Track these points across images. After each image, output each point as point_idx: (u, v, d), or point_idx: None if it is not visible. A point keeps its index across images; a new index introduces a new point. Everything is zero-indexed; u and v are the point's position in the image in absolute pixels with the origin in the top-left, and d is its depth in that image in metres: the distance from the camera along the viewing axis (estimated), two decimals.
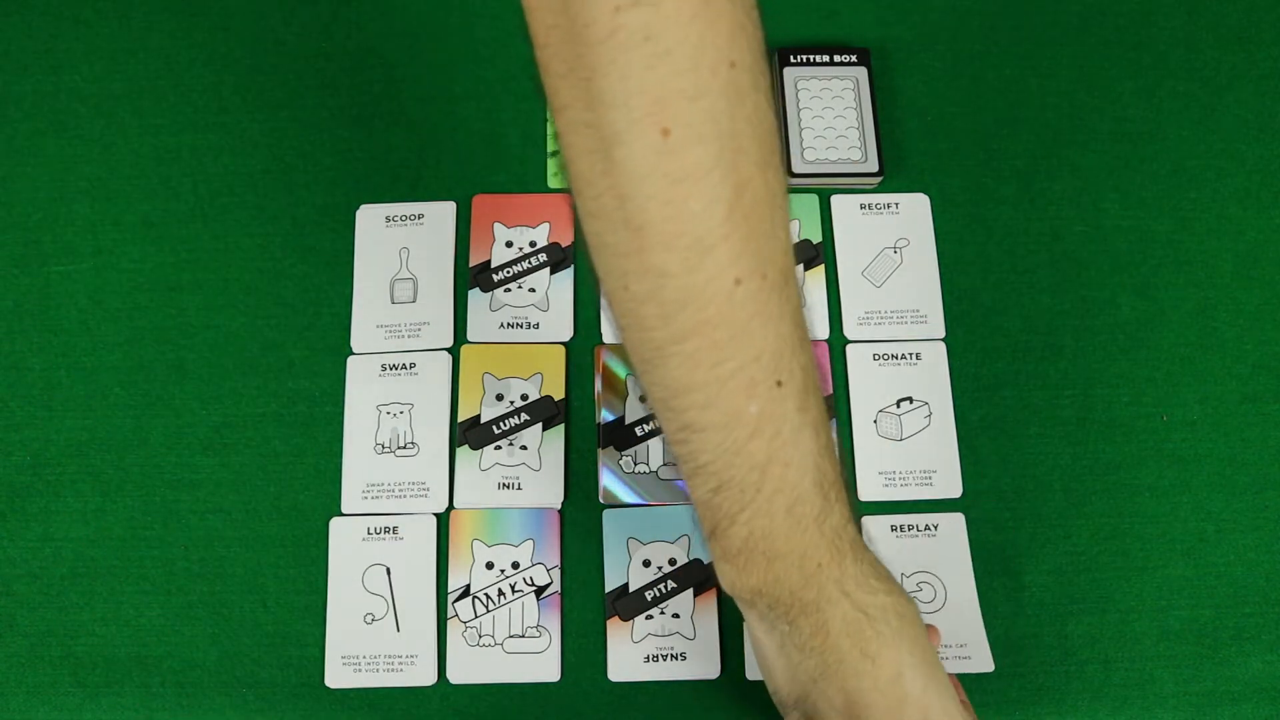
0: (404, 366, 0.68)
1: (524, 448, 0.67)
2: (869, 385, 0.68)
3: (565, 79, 0.40)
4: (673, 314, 0.41)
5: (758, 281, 0.41)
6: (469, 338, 0.69)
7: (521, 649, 0.63)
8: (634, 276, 0.41)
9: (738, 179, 0.40)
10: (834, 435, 0.49)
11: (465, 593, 0.64)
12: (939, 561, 0.65)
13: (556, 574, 0.64)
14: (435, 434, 0.67)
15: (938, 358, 0.69)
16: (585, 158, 0.40)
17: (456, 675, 0.63)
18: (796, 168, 0.72)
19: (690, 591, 0.64)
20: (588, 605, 0.64)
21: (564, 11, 0.39)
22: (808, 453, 0.45)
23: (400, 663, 0.63)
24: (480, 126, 0.75)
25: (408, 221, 0.72)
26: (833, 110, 0.74)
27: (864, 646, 0.47)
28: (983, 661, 0.63)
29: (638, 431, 0.67)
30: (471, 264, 0.71)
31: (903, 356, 0.69)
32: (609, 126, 0.39)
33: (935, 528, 0.65)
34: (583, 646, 0.64)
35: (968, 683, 0.62)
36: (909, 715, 0.47)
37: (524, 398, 0.68)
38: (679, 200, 0.39)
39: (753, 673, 0.63)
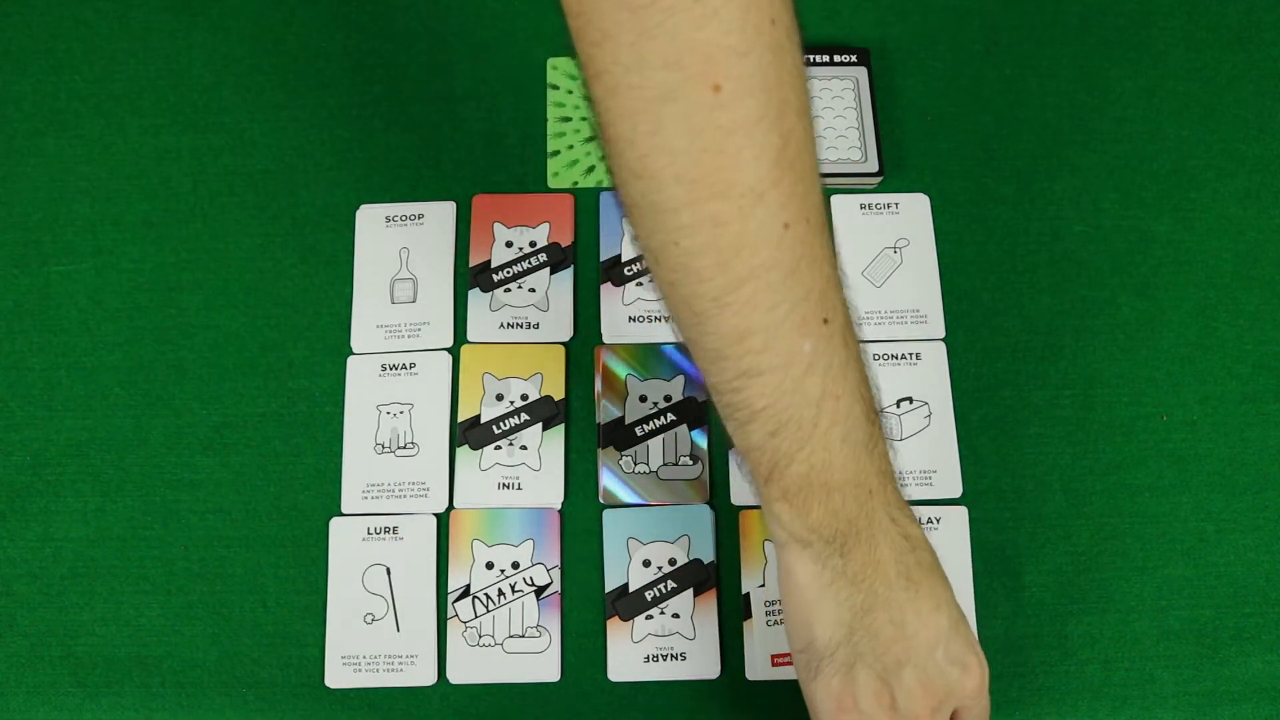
0: (404, 366, 0.68)
1: (524, 448, 0.67)
2: None
3: (600, 46, 0.41)
4: (729, 261, 0.43)
5: (803, 225, 0.43)
6: (469, 338, 0.69)
7: (521, 649, 0.63)
8: (686, 231, 0.43)
9: (784, 128, 0.42)
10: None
11: (465, 593, 0.64)
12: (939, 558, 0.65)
13: (556, 574, 0.64)
14: (435, 434, 0.67)
15: (938, 358, 0.69)
16: (627, 119, 0.41)
17: (456, 675, 0.63)
18: None
19: (690, 591, 0.64)
20: (588, 605, 0.64)
21: None
22: (855, 383, 0.47)
23: (400, 663, 0.63)
24: (480, 126, 0.75)
25: (408, 221, 0.72)
26: (833, 110, 0.74)
27: (909, 574, 0.49)
28: None
29: (638, 431, 0.67)
30: (471, 264, 0.71)
31: (903, 356, 0.69)
32: (658, 87, 0.40)
33: (937, 521, 0.65)
34: (583, 646, 0.64)
35: None
36: (950, 649, 0.49)
37: (524, 398, 0.68)
38: (732, 150, 0.41)
39: (753, 673, 0.63)
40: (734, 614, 0.64)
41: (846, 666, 0.50)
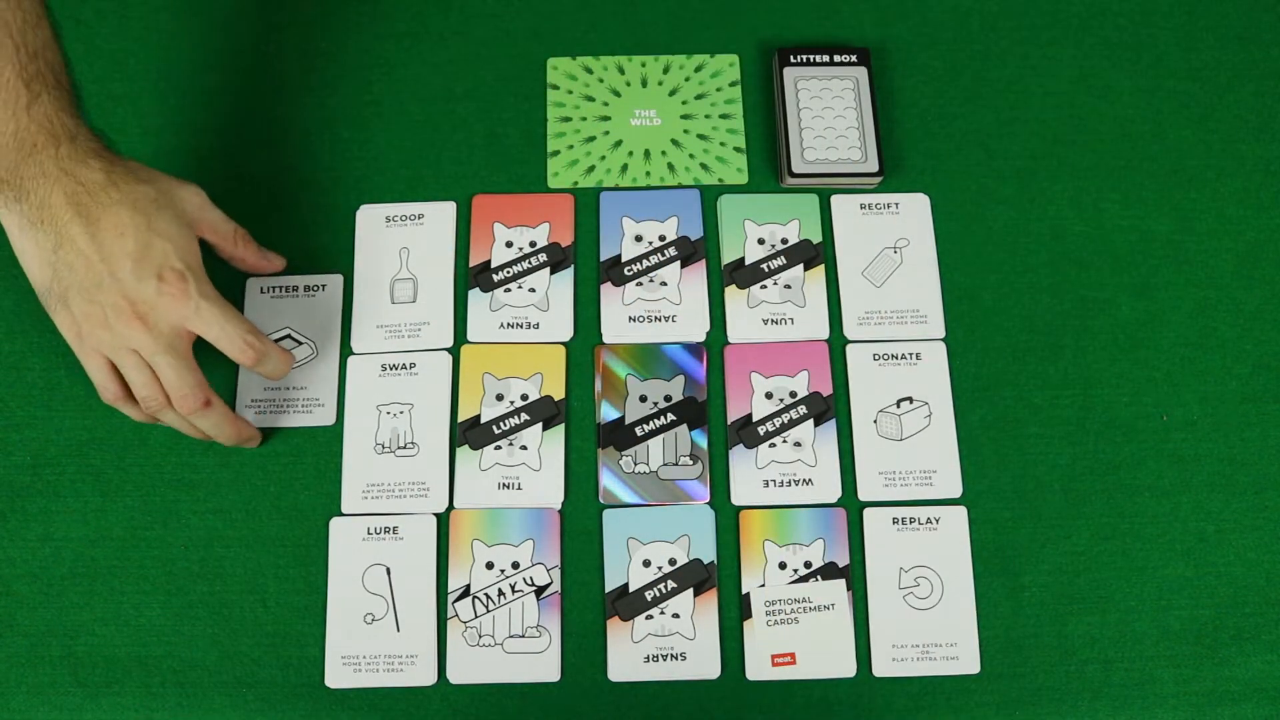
0: (404, 366, 0.68)
1: (524, 448, 0.67)
2: (869, 385, 0.68)
3: None
4: None
5: None
6: (469, 338, 0.69)
7: (521, 649, 0.63)
8: None
9: None
10: (54, 40, 0.60)
11: (465, 593, 0.64)
12: (938, 556, 0.65)
13: (556, 574, 0.64)
14: (435, 434, 0.67)
15: (938, 358, 0.69)
16: None
17: (456, 675, 0.63)
18: (796, 168, 0.72)
19: (690, 591, 0.64)
20: (588, 605, 0.64)
21: None
22: (8, 50, 0.57)
23: (400, 663, 0.63)
24: (480, 126, 0.75)
25: (408, 221, 0.72)
26: (833, 110, 0.74)
27: (86, 213, 0.57)
28: (969, 663, 0.63)
29: (638, 431, 0.67)
30: (471, 264, 0.71)
31: (903, 356, 0.69)
32: None
33: (937, 521, 0.65)
34: (583, 646, 0.64)
35: (955, 684, 0.63)
36: (143, 266, 0.58)
37: (524, 398, 0.68)
38: None
39: (753, 673, 0.63)
40: (734, 614, 0.64)
41: (62, 299, 0.59)
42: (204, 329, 0.60)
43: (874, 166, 0.72)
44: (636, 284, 0.70)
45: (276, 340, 0.69)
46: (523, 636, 0.63)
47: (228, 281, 0.71)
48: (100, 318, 0.58)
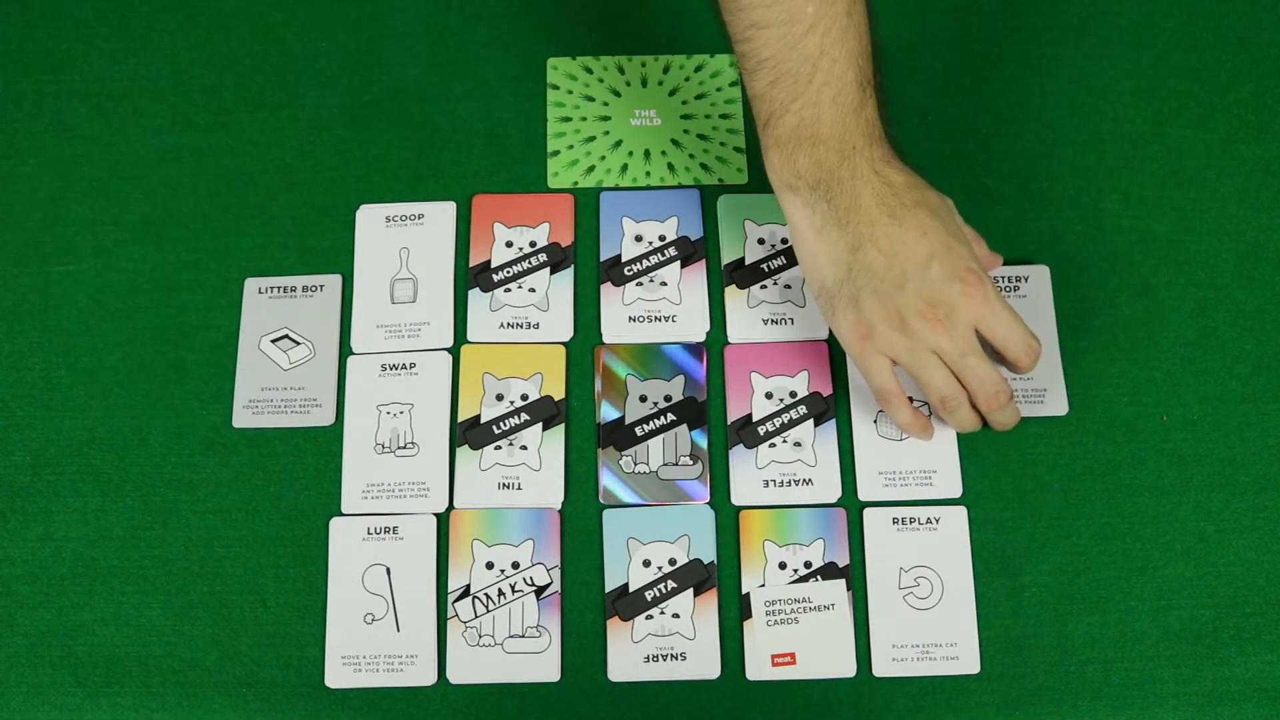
0: (404, 366, 0.68)
1: (524, 448, 0.67)
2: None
3: None
4: None
5: None
6: (469, 338, 0.69)
7: (521, 649, 0.63)
8: None
9: None
10: (873, 40, 0.59)
11: (465, 593, 0.64)
12: (938, 556, 0.65)
13: (556, 574, 0.64)
14: (435, 434, 0.67)
15: None
16: None
17: (456, 675, 0.63)
18: None
19: (690, 591, 0.64)
20: (588, 605, 0.64)
21: None
22: (852, 52, 0.56)
23: (400, 663, 0.63)
24: (480, 126, 0.75)
25: (408, 221, 0.72)
26: None
27: (893, 212, 0.57)
28: (969, 663, 0.63)
29: (638, 431, 0.67)
30: (471, 264, 0.71)
31: None
32: None
33: (937, 521, 0.65)
34: (583, 646, 0.64)
35: (955, 684, 0.62)
36: (945, 265, 0.57)
37: (524, 398, 0.68)
38: None
39: (753, 673, 0.63)
40: (734, 614, 0.64)
41: (853, 300, 0.59)
42: (994, 329, 0.59)
43: None
44: (636, 284, 0.70)
45: (274, 341, 0.69)
46: (523, 636, 0.63)
47: (226, 283, 0.71)
48: (897, 320, 0.58)
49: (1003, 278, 0.71)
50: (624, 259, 0.71)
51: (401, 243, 0.72)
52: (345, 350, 0.69)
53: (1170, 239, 0.72)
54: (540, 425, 0.67)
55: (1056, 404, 0.68)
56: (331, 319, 0.70)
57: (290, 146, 0.74)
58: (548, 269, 0.71)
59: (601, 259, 0.71)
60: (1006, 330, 0.59)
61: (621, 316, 0.70)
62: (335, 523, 0.65)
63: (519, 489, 0.66)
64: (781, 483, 0.66)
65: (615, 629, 0.63)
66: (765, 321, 0.70)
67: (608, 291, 0.70)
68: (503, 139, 0.74)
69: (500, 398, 0.68)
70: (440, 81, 0.76)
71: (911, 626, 0.63)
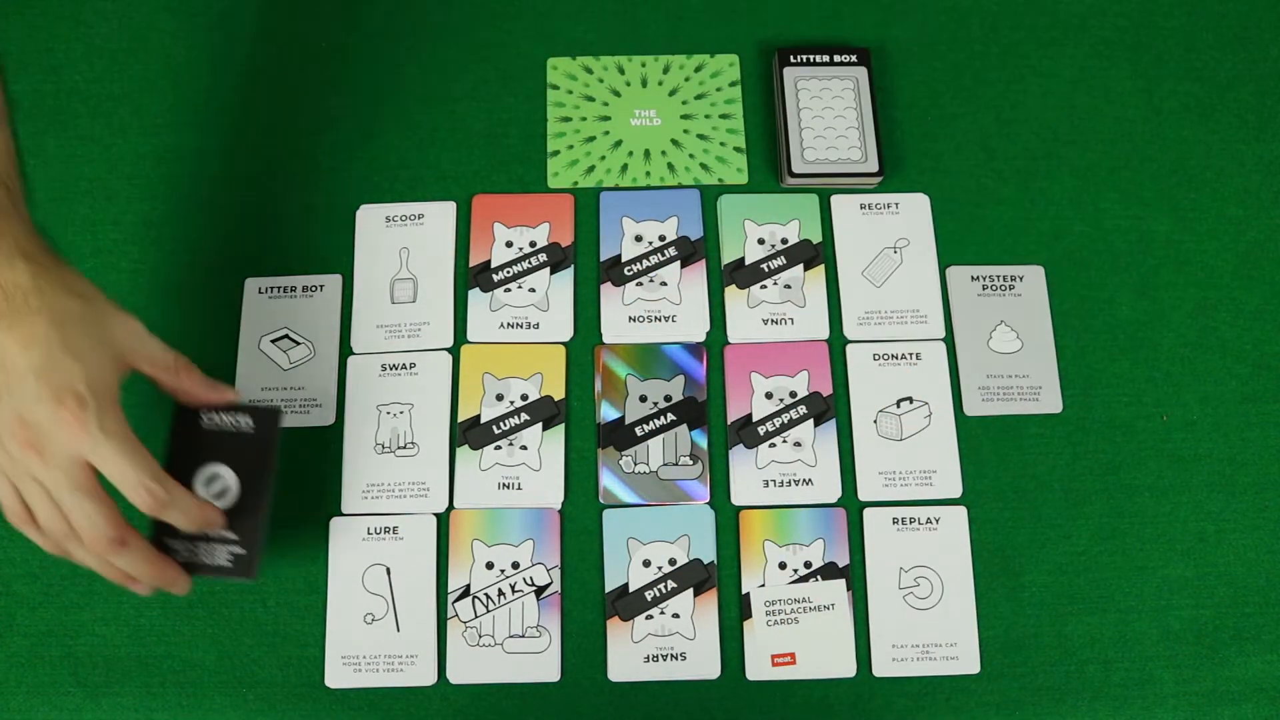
0: (404, 366, 0.68)
1: (524, 448, 0.67)
2: (869, 385, 0.68)
3: None
4: None
5: None
6: (469, 338, 0.69)
7: (521, 649, 0.63)
8: None
9: None
10: (9, 152, 0.57)
11: (465, 593, 0.64)
12: (938, 556, 0.65)
13: (556, 574, 0.64)
14: (435, 434, 0.67)
15: (938, 358, 0.69)
16: None
17: (456, 675, 0.63)
18: (796, 168, 0.72)
19: (690, 591, 0.64)
20: (588, 605, 0.64)
21: None
22: None
23: (400, 663, 0.63)
24: (480, 126, 0.75)
25: (408, 221, 0.72)
26: (833, 110, 0.74)
27: (1, 319, 0.52)
28: (969, 663, 0.63)
29: (638, 431, 0.67)
30: (471, 264, 0.71)
31: (903, 356, 0.69)
32: None
33: (937, 521, 0.65)
34: (583, 646, 0.64)
35: (955, 684, 0.62)
36: (45, 385, 0.51)
37: (524, 398, 0.68)
38: None
39: (753, 673, 0.63)
40: (734, 614, 0.64)
41: None
42: (101, 465, 0.52)
43: (874, 166, 0.72)
44: (636, 284, 0.70)
45: (274, 341, 0.69)
46: (523, 636, 0.63)
47: (226, 283, 0.71)
48: None
49: (999, 277, 0.71)
50: (624, 259, 0.71)
51: (401, 243, 0.72)
52: (345, 350, 0.69)
53: (1170, 239, 0.72)
54: (540, 425, 0.67)
55: (1051, 401, 0.68)
56: (331, 319, 0.70)
57: (290, 146, 0.74)
58: (548, 269, 0.71)
59: (601, 259, 0.71)
60: (116, 469, 0.52)
61: (621, 316, 0.70)
62: (335, 523, 0.65)
63: (519, 489, 0.66)
64: (781, 483, 0.66)
65: (615, 629, 0.63)
66: (765, 321, 0.70)
67: (608, 291, 0.70)
68: (503, 139, 0.74)
69: (500, 398, 0.68)
70: (440, 81, 0.76)
71: (911, 626, 0.63)
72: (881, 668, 0.63)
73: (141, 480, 0.53)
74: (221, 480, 0.60)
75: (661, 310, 0.70)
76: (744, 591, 0.64)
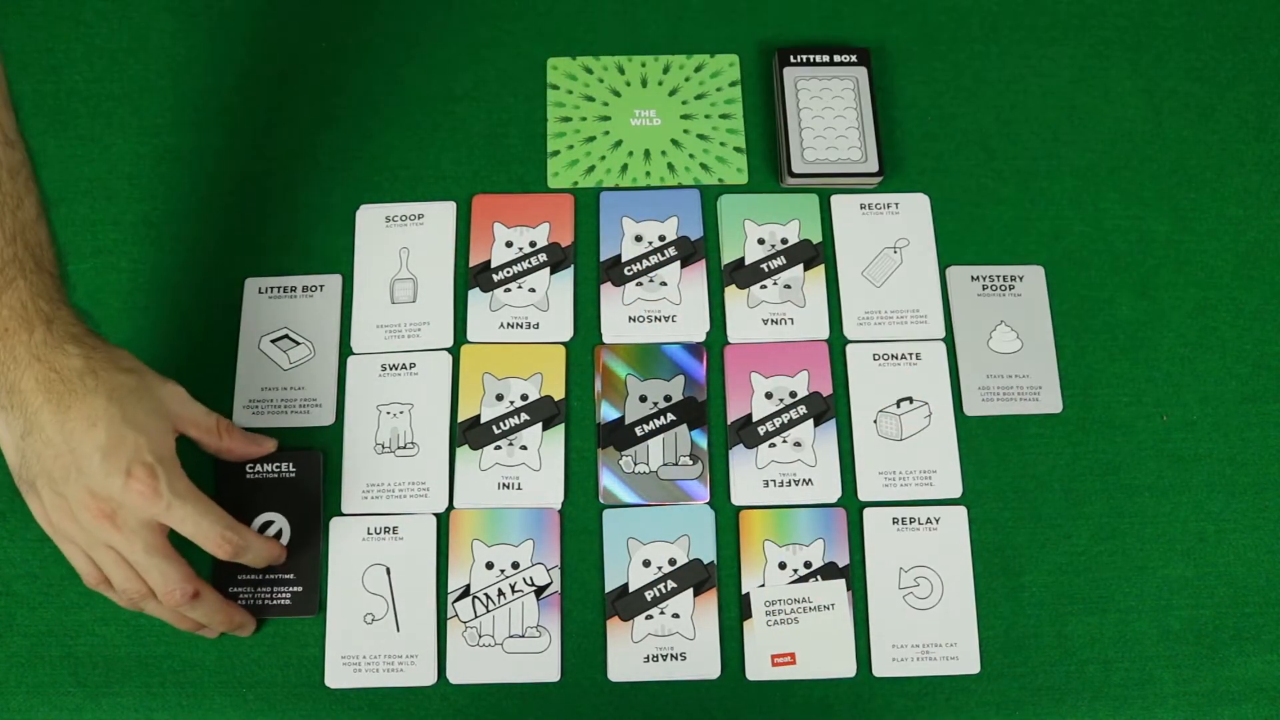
0: (404, 366, 0.68)
1: (524, 448, 0.67)
2: (869, 385, 0.68)
3: None
4: None
5: None
6: (469, 338, 0.69)
7: (521, 649, 0.63)
8: None
9: None
10: (40, 218, 0.58)
11: (465, 593, 0.64)
12: (938, 556, 0.65)
13: (556, 574, 0.64)
14: (435, 434, 0.67)
15: (938, 358, 0.69)
16: None
17: (456, 675, 0.63)
18: (796, 168, 0.72)
19: (690, 591, 0.64)
20: (588, 605, 0.64)
21: None
22: (7, 232, 0.55)
23: (400, 663, 0.63)
24: (480, 126, 0.75)
25: (408, 221, 0.72)
26: (833, 110, 0.74)
27: (59, 400, 0.54)
28: (969, 663, 0.63)
29: (638, 431, 0.67)
30: (471, 264, 0.71)
31: (903, 356, 0.69)
32: None
33: (937, 521, 0.65)
34: (583, 646, 0.64)
35: (955, 684, 0.62)
36: (111, 460, 0.54)
37: (524, 398, 0.68)
38: None
39: (753, 673, 0.63)
40: (734, 614, 0.64)
41: (32, 486, 0.56)
42: (179, 525, 0.56)
43: (874, 166, 0.72)
44: (636, 284, 0.70)
45: (274, 341, 0.69)
46: (523, 636, 0.63)
47: (226, 283, 0.71)
48: (67, 510, 0.55)
49: (999, 277, 0.71)
50: (624, 259, 0.71)
51: (401, 243, 0.72)
52: (345, 350, 0.69)
53: (1170, 239, 0.72)
54: (540, 425, 0.67)
55: (1051, 401, 0.68)
56: (331, 319, 0.70)
57: (290, 146, 0.74)
58: (548, 269, 0.71)
59: (601, 259, 0.71)
60: (193, 526, 0.56)
61: (621, 316, 0.70)
62: (335, 523, 0.65)
63: (519, 489, 0.66)
64: (781, 483, 0.66)
65: (615, 629, 0.63)
66: (765, 321, 0.70)
67: (608, 291, 0.70)
68: (503, 139, 0.74)
69: (500, 398, 0.68)
70: (440, 81, 0.76)
71: (911, 626, 0.63)
72: (881, 668, 0.63)
73: (218, 531, 0.57)
74: (274, 526, 0.64)
75: (661, 310, 0.70)
76: (744, 591, 0.64)
